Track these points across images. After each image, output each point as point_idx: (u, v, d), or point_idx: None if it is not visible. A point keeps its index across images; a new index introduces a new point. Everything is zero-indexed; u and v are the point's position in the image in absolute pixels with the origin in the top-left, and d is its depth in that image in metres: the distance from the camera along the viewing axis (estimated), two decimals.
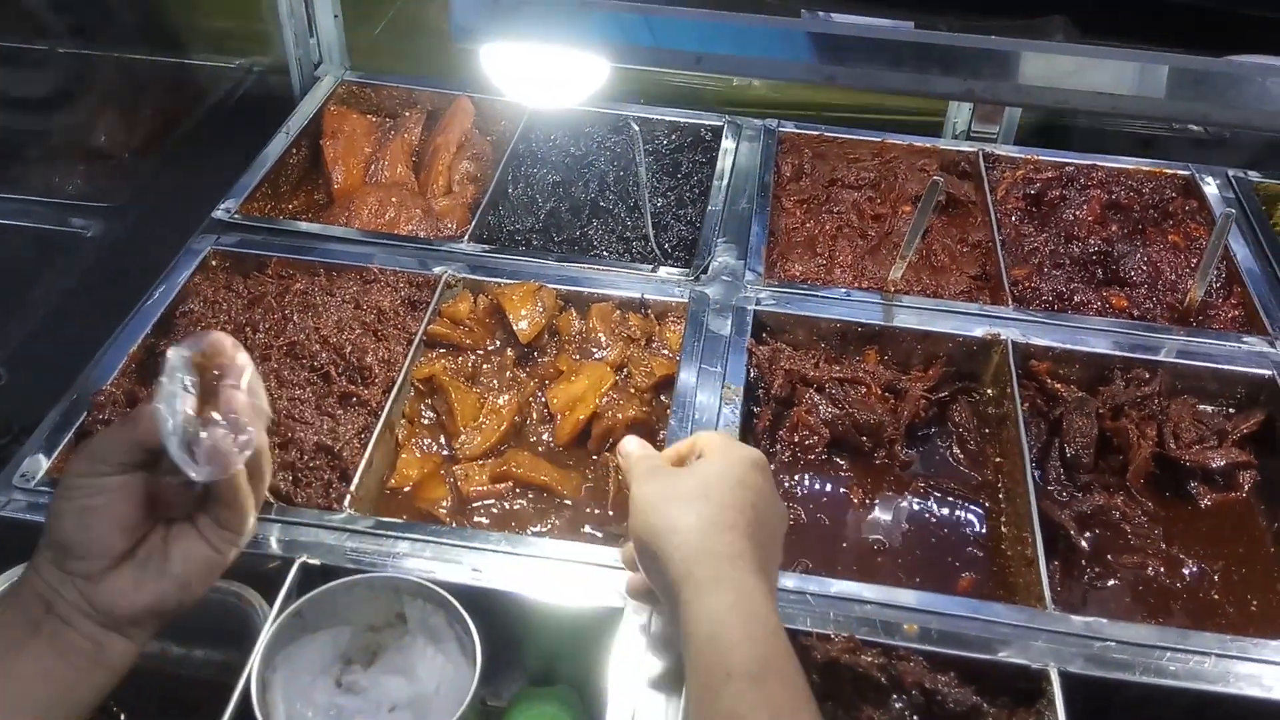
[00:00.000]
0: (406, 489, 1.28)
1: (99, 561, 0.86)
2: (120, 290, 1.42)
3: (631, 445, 1.02)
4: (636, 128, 1.44)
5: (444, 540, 1.15)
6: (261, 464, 0.93)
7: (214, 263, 1.49)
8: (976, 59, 0.61)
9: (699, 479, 0.94)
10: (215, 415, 0.85)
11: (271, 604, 1.07)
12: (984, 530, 1.32)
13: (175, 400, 0.84)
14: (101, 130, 1.68)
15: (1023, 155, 1.83)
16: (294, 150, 1.73)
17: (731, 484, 0.93)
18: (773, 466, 1.37)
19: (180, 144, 1.69)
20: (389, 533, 1.15)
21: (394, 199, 1.64)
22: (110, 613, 0.87)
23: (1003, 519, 1.32)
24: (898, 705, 1.06)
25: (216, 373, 0.88)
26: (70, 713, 0.87)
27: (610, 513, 1.28)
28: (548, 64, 0.98)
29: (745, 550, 0.88)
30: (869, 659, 1.07)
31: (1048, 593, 1.14)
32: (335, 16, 1.89)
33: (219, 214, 1.55)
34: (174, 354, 0.87)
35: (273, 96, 1.86)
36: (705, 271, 1.53)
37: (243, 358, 0.90)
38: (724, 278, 1.52)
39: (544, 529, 1.26)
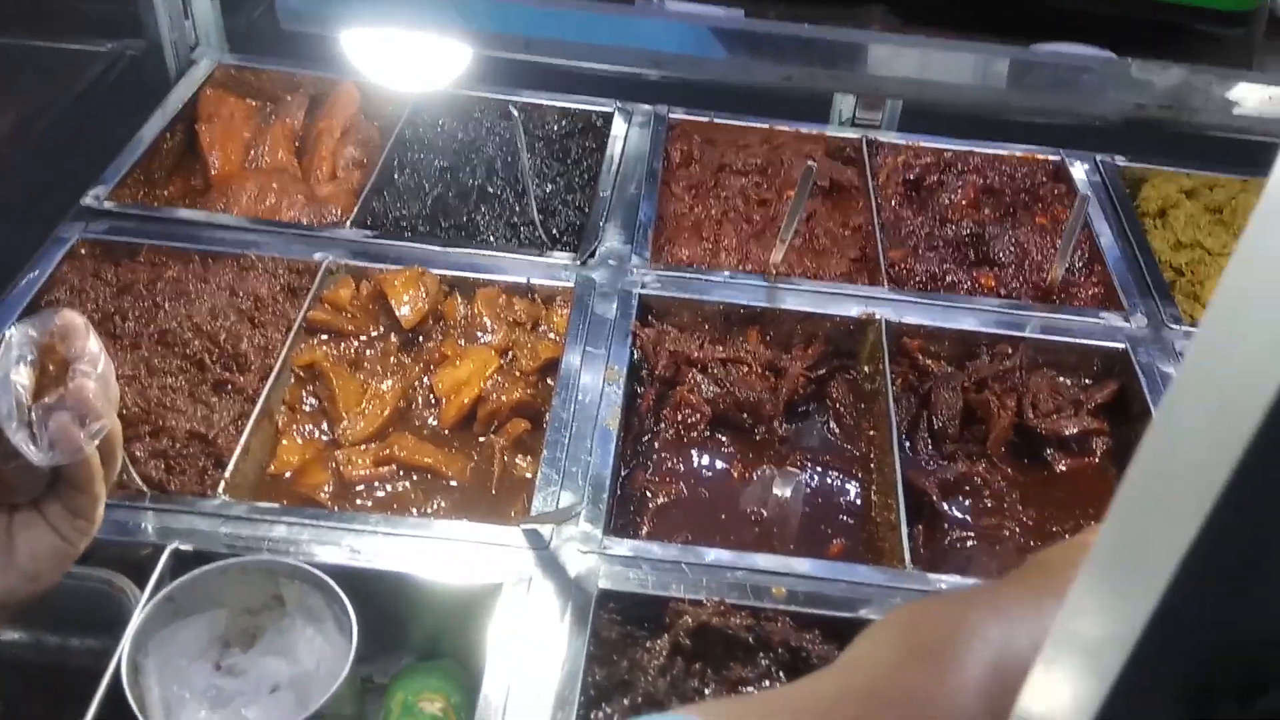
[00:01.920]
0: (287, 475, 1.28)
1: None
2: None
3: None
4: (517, 114, 1.46)
5: (321, 523, 1.15)
6: (113, 450, 0.89)
7: (83, 251, 1.46)
8: (796, 47, 0.63)
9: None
10: (63, 397, 0.82)
11: (144, 590, 1.06)
12: (857, 500, 1.37)
13: (11, 384, 0.81)
14: None
15: (904, 141, 1.89)
16: (169, 135, 1.70)
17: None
18: (656, 444, 1.40)
19: (49, 130, 1.64)
20: (265, 517, 1.15)
21: (275, 185, 1.63)
22: None
23: (873, 488, 1.37)
24: (764, 663, 1.11)
25: (66, 355, 0.85)
26: None
27: (494, 493, 1.30)
28: (410, 48, 0.99)
29: None
30: (738, 621, 1.11)
31: (907, 554, 1.19)
32: None
33: (88, 201, 1.51)
34: (17, 331, 0.83)
35: (147, 81, 1.81)
36: (592, 256, 1.55)
37: (95, 342, 0.87)
38: (611, 262, 1.55)
39: (430, 511, 1.27)
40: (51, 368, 0.83)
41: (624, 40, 0.65)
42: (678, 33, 0.61)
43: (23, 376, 0.80)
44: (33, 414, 0.79)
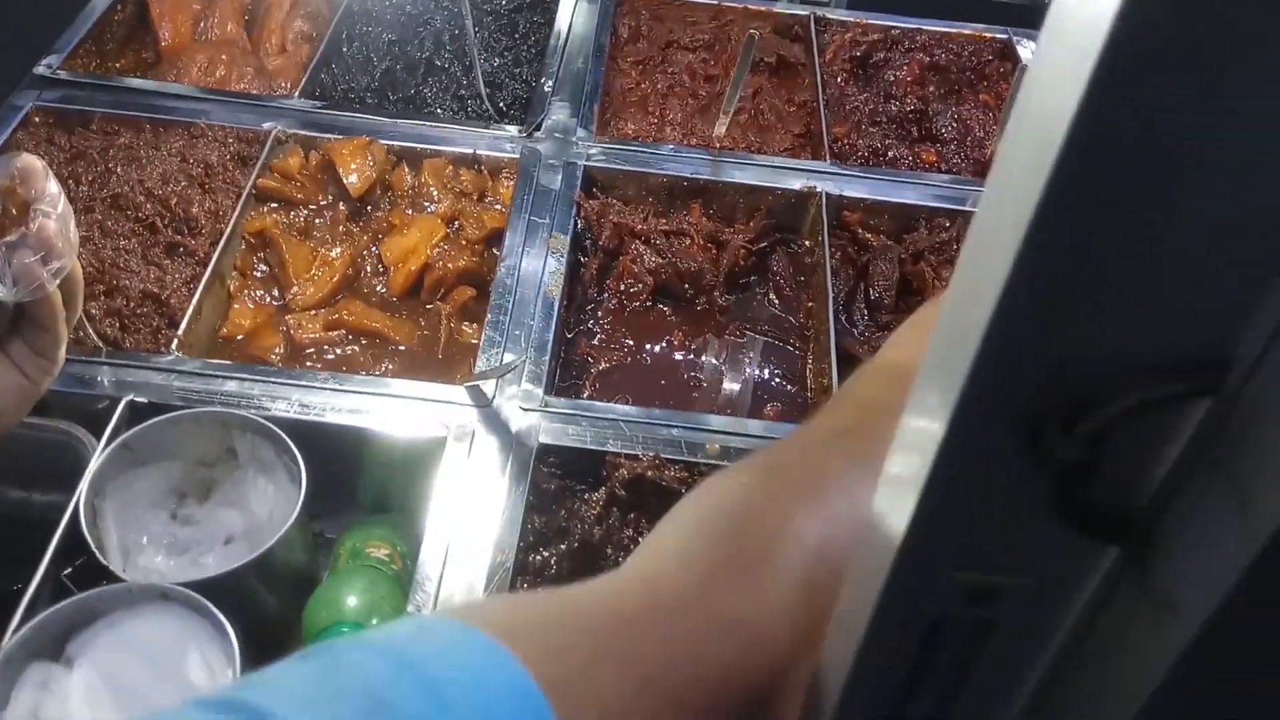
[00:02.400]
0: (240, 338, 1.32)
1: None
2: None
3: None
4: None
5: (272, 379, 1.20)
6: (75, 290, 0.93)
7: (37, 119, 1.47)
8: None
9: None
10: (25, 236, 0.85)
11: (100, 440, 1.11)
12: (792, 368, 1.43)
13: None
14: None
15: (852, 19, 1.90)
16: (119, 6, 1.68)
17: None
18: (599, 313, 1.45)
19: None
20: (217, 373, 1.19)
21: (224, 57, 1.63)
22: None
23: (810, 357, 1.43)
24: None
25: (25, 198, 0.88)
26: None
27: (440, 357, 1.34)
28: None
29: None
30: (672, 474, 1.18)
31: None
32: None
33: (41, 70, 1.52)
34: None
35: None
36: (539, 129, 1.57)
37: (54, 184, 0.90)
38: (556, 135, 1.57)
39: (379, 373, 1.31)
40: (13, 209, 0.86)
41: None
42: None
43: None
44: (1, 248, 0.83)
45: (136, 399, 1.14)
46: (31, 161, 0.89)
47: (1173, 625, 0.43)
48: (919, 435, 0.42)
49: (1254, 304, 0.36)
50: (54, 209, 0.87)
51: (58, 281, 0.88)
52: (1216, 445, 0.40)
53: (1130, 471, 0.41)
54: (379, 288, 1.41)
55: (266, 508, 1.16)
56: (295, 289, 1.36)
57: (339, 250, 1.40)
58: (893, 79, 1.78)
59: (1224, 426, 0.40)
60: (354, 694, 0.39)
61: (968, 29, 1.90)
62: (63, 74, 1.52)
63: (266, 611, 1.12)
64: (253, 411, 1.15)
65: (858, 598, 0.51)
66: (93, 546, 1.02)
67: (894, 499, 0.45)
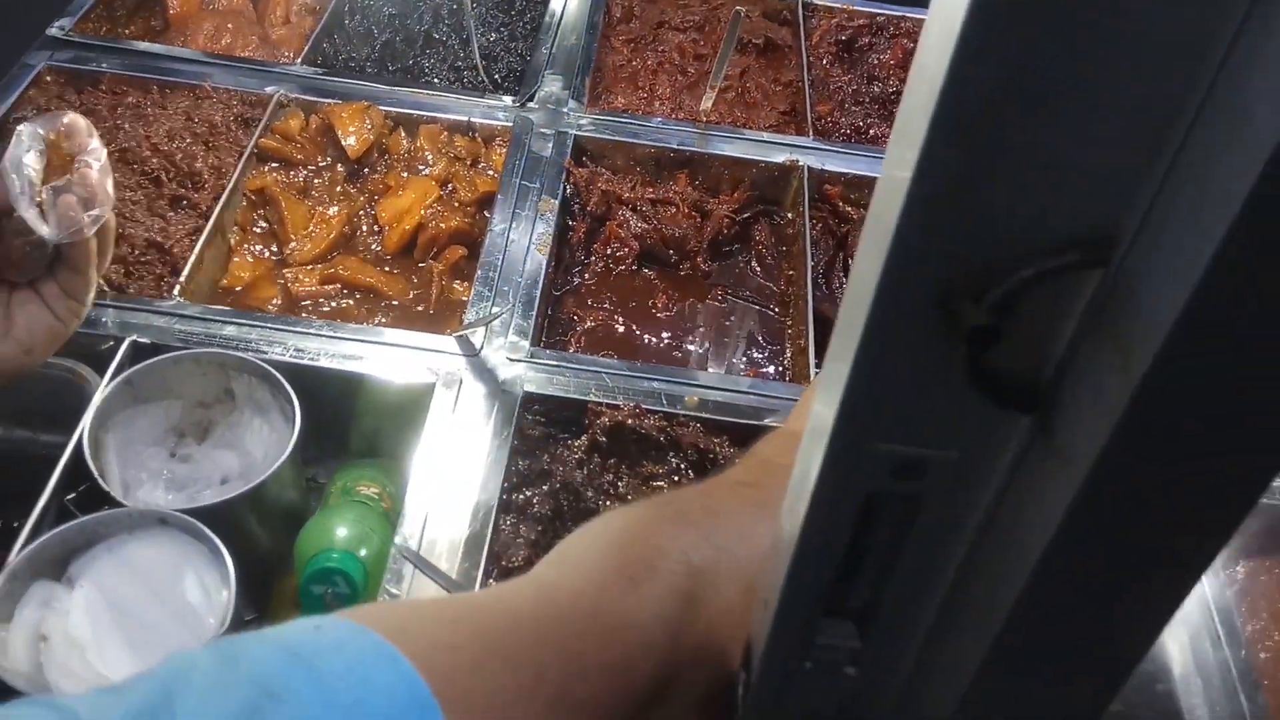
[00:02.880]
0: (239, 289, 1.37)
1: None
2: None
3: None
4: None
5: (269, 325, 1.25)
6: (107, 239, 1.00)
7: (49, 78, 1.52)
8: None
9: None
10: (70, 182, 0.92)
11: (103, 377, 1.16)
12: (771, 332, 1.49)
13: (25, 168, 0.91)
14: None
15: (839, 5, 1.95)
16: None
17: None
18: (586, 275, 1.50)
19: None
20: (216, 318, 1.24)
21: (230, 25, 1.68)
22: None
23: (789, 321, 1.48)
24: (674, 461, 1.23)
25: (69, 152, 0.95)
26: None
27: (431, 312, 1.40)
28: None
29: None
30: (651, 423, 1.23)
31: (813, 373, 1.31)
32: None
33: (53, 31, 1.57)
34: (26, 127, 0.93)
35: None
36: (531, 99, 1.62)
37: (97, 141, 0.98)
38: (549, 106, 1.62)
39: (374, 324, 1.37)
40: (57, 161, 0.93)
41: None
42: None
43: (33, 162, 0.90)
44: (43, 195, 0.90)
45: (139, 339, 1.19)
46: (77, 119, 0.97)
47: (1067, 473, 0.48)
48: (850, 318, 0.47)
49: (1132, 190, 0.42)
50: (97, 161, 0.95)
51: (96, 228, 0.95)
52: (1104, 312, 0.46)
53: (1035, 342, 0.47)
54: (374, 246, 1.46)
55: (261, 448, 1.21)
56: (293, 244, 1.41)
57: (336, 209, 1.45)
58: (876, 62, 1.84)
59: (1111, 294, 0.46)
60: (245, 684, 0.41)
61: None
62: (74, 36, 1.57)
63: (258, 544, 1.17)
64: (250, 355, 1.20)
65: (800, 482, 0.56)
66: (95, 474, 1.07)
67: (830, 382, 0.50)
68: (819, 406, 0.55)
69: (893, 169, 0.45)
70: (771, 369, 1.44)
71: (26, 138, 0.93)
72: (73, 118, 0.96)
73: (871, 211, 0.50)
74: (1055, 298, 0.46)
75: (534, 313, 1.33)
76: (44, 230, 0.91)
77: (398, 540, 1.10)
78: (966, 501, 0.54)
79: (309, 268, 1.40)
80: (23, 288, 0.98)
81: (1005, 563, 0.54)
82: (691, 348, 1.45)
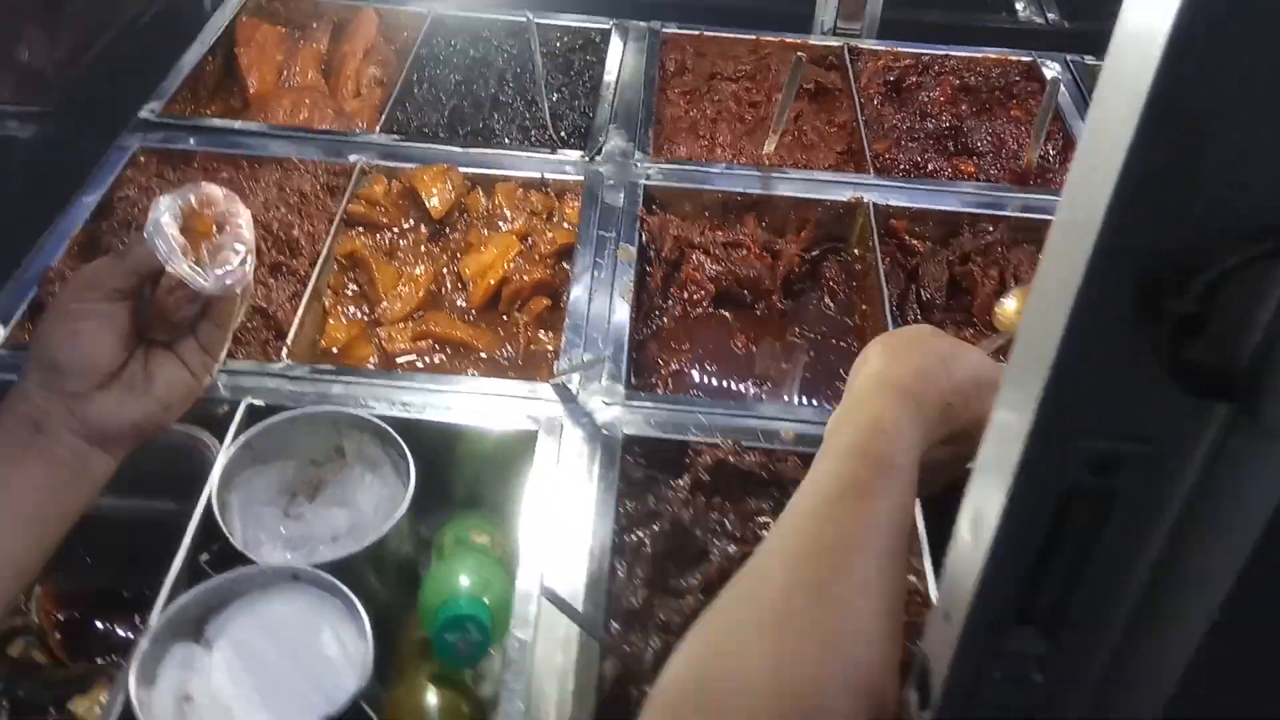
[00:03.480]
0: (335, 350, 1.41)
1: (87, 381, 0.97)
2: (54, 185, 1.51)
3: None
4: (531, 16, 1.57)
5: (375, 381, 1.29)
6: (245, 294, 1.06)
7: (142, 158, 1.58)
8: None
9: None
10: (223, 240, 0.98)
11: (223, 442, 1.20)
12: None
13: (165, 229, 0.96)
14: (24, 45, 1.74)
15: (884, 48, 2.01)
16: (209, 59, 1.82)
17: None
18: (665, 320, 1.54)
19: (100, 56, 1.76)
20: (324, 377, 1.28)
21: (307, 101, 1.75)
22: (99, 429, 0.97)
23: None
24: (777, 495, 1.25)
25: (214, 216, 1.01)
26: (59, 523, 0.98)
27: (520, 363, 1.43)
28: None
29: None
30: (752, 459, 1.25)
31: None
32: None
33: (145, 114, 1.64)
34: (164, 197, 0.99)
35: (185, 10, 1.93)
36: (599, 153, 1.67)
37: (239, 203, 1.04)
38: (616, 158, 1.67)
39: (469, 376, 1.40)
40: (201, 228, 0.99)
41: None
42: None
43: (173, 225, 0.96)
44: (203, 250, 0.95)
45: (254, 401, 1.23)
46: (212, 188, 1.03)
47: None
48: (1044, 320, 0.50)
49: None
50: (246, 221, 1.01)
51: (247, 280, 1.00)
52: None
53: (1233, 330, 0.49)
54: (459, 301, 1.50)
55: (372, 503, 1.23)
56: (384, 304, 1.45)
57: (422, 268, 1.49)
58: (926, 99, 1.88)
59: None
60: None
61: (993, 53, 2.01)
62: (164, 118, 1.64)
63: (377, 597, 1.19)
64: (361, 411, 1.23)
65: (988, 489, 0.58)
66: (226, 532, 1.10)
67: (1022, 384, 0.52)
68: (1004, 413, 0.57)
69: (1090, 167, 0.48)
70: None
71: (164, 206, 0.98)
72: (208, 188, 1.01)
73: (1062, 215, 0.53)
74: (1254, 285, 0.48)
75: (624, 357, 1.36)
76: (202, 283, 0.96)
77: (538, 584, 1.11)
78: (1164, 496, 0.55)
79: (400, 326, 1.44)
80: (160, 348, 1.02)
81: (1210, 557, 0.55)
82: (774, 384, 1.47)
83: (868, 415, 0.83)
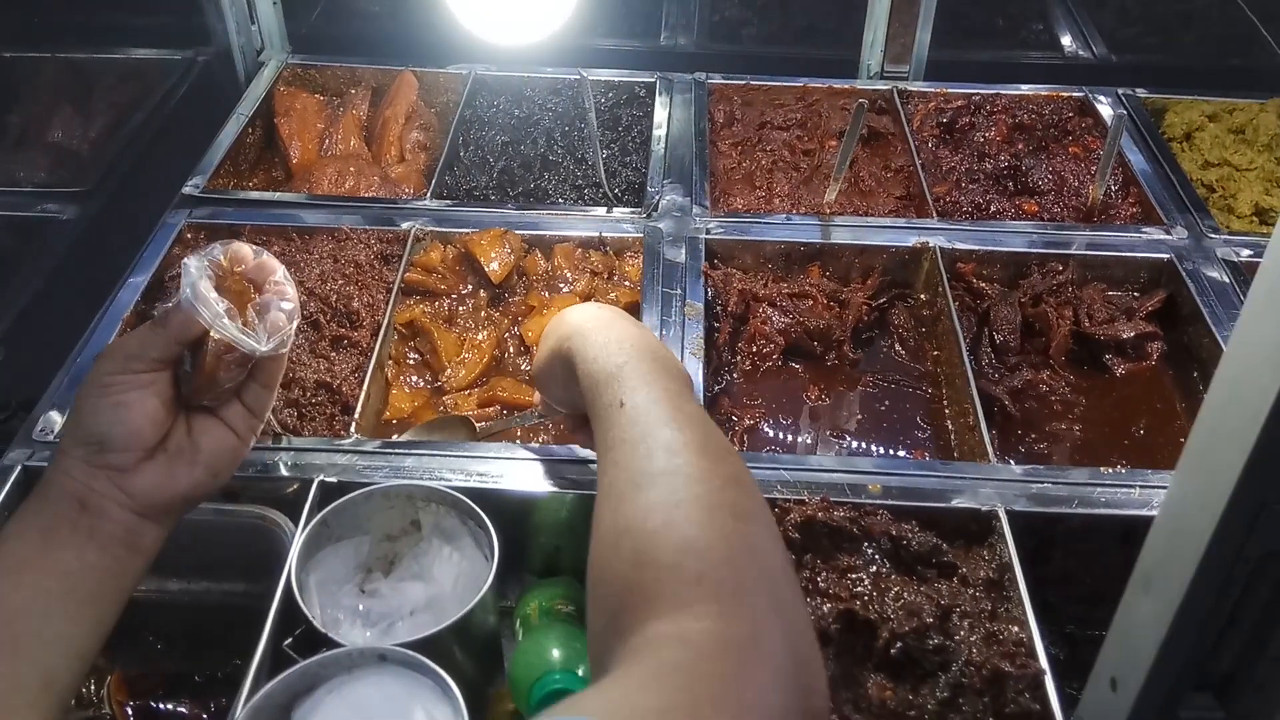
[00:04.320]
0: (400, 420, 1.38)
1: (133, 454, 0.93)
2: (101, 267, 1.49)
3: None
4: (584, 74, 1.56)
5: (447, 453, 1.25)
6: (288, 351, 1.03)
7: (189, 235, 1.56)
8: None
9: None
10: (271, 297, 0.95)
11: (296, 523, 1.16)
12: (928, 412, 1.46)
13: (205, 294, 0.93)
14: (58, 125, 1.74)
15: (933, 89, 1.98)
16: (249, 131, 1.81)
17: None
18: (735, 375, 1.50)
19: (136, 133, 1.76)
20: (395, 450, 1.24)
21: (351, 169, 1.73)
22: (148, 502, 0.93)
23: (945, 400, 1.46)
24: (869, 551, 1.19)
25: (249, 274, 0.98)
26: (115, 600, 0.94)
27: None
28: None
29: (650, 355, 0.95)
30: (841, 514, 1.20)
31: (990, 448, 1.28)
32: (274, 4, 1.97)
33: (189, 189, 1.63)
34: (191, 260, 0.96)
35: (219, 84, 1.93)
36: (655, 210, 1.64)
37: (269, 256, 1.00)
38: (674, 214, 1.64)
39: (538, 443, 1.36)
40: (236, 287, 0.95)
41: None
42: None
43: (210, 289, 0.92)
44: (250, 311, 0.91)
45: (326, 479, 1.20)
46: (240, 245, 0.99)
47: None
48: (1248, 385, 0.45)
49: None
50: (285, 275, 0.97)
51: (292, 337, 0.97)
52: None
53: None
54: (524, 365, 1.46)
55: (451, 576, 1.19)
56: (448, 371, 1.42)
57: (484, 334, 1.46)
58: (982, 140, 1.85)
59: None
60: None
61: (1044, 90, 1.98)
62: (209, 193, 1.63)
63: (464, 673, 1.14)
64: (438, 484, 1.19)
65: (1173, 552, 0.53)
66: (308, 615, 1.05)
67: (1221, 449, 0.48)
68: (1192, 479, 0.52)
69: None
70: (932, 445, 1.41)
71: (194, 269, 0.95)
72: (236, 245, 0.98)
73: (1260, 285, 0.48)
74: None
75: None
76: (253, 344, 0.93)
77: None
78: None
79: (466, 393, 1.40)
80: (203, 413, 0.99)
81: None
82: (851, 435, 1.43)
83: None
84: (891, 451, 1.41)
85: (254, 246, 1.00)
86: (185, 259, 0.96)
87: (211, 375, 0.96)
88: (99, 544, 0.92)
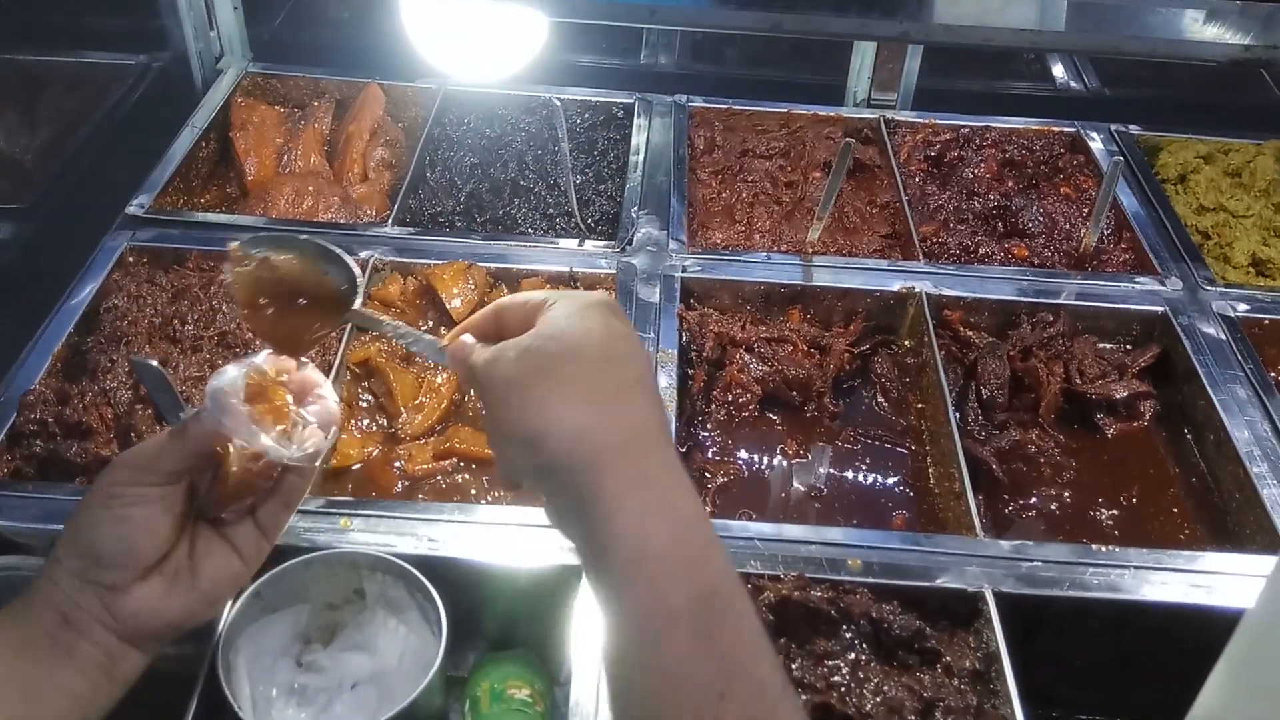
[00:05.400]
0: (352, 468, 1.29)
1: (129, 573, 0.83)
2: (37, 291, 1.39)
3: (462, 340, 0.82)
4: (558, 102, 1.47)
5: (396, 514, 1.16)
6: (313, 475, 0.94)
7: (131, 259, 1.46)
8: (909, 2, 0.65)
9: (556, 342, 0.74)
10: (303, 412, 0.88)
11: None
12: (911, 471, 1.39)
13: (230, 400, 0.84)
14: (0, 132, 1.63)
15: (921, 120, 1.91)
16: (203, 144, 1.70)
17: (599, 338, 0.74)
18: (709, 425, 1.41)
19: (84, 143, 1.64)
20: (341, 511, 1.15)
21: (310, 188, 1.63)
22: (133, 626, 0.84)
23: (928, 460, 1.39)
24: (848, 635, 1.12)
25: (291, 385, 0.90)
26: None
27: None
28: (484, 30, 1.00)
29: (645, 423, 0.73)
30: (819, 594, 1.12)
31: (977, 521, 1.21)
32: (235, 8, 1.87)
33: (133, 210, 1.52)
34: (231, 367, 0.87)
35: (174, 91, 1.82)
36: (630, 243, 1.56)
37: (318, 373, 0.93)
38: (649, 248, 1.56)
39: (491, 500, 1.27)
40: (271, 399, 0.87)
41: (742, 4, 0.66)
42: None
43: (235, 395, 0.84)
44: (289, 420, 0.84)
45: None
46: (284, 359, 0.91)
47: None
48: None
49: None
50: (329, 391, 0.92)
51: (323, 456, 0.89)
52: None
53: None
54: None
55: (397, 650, 1.10)
56: (404, 416, 1.33)
57: (444, 377, 1.37)
58: (971, 176, 1.78)
59: None
60: None
61: (1034, 124, 1.91)
62: (153, 213, 1.52)
63: None
64: (379, 549, 1.10)
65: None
66: (236, 707, 0.96)
67: None
68: None
69: None
70: (916, 509, 1.33)
71: (228, 378, 0.86)
72: (279, 357, 0.90)
73: None
74: None
75: None
76: (282, 451, 0.84)
77: None
78: None
79: (421, 443, 1.31)
80: (208, 533, 0.88)
81: None
82: (831, 497, 1.35)
83: None
84: (873, 515, 1.33)
85: (302, 359, 0.92)
86: (224, 365, 0.87)
87: (236, 485, 0.87)
88: (76, 666, 0.82)
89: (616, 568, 0.69)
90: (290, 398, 0.89)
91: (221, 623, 1.02)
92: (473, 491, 1.28)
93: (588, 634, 1.07)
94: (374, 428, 1.34)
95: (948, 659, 1.09)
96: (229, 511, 0.89)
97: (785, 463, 1.39)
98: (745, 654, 0.68)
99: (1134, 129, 1.92)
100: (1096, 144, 1.88)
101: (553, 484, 0.73)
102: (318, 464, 0.90)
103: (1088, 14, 0.68)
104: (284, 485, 0.90)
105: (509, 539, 1.15)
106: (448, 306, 1.42)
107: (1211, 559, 1.19)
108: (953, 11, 0.65)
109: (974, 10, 0.66)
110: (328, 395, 0.92)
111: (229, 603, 1.04)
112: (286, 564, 1.07)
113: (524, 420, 0.72)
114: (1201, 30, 0.68)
